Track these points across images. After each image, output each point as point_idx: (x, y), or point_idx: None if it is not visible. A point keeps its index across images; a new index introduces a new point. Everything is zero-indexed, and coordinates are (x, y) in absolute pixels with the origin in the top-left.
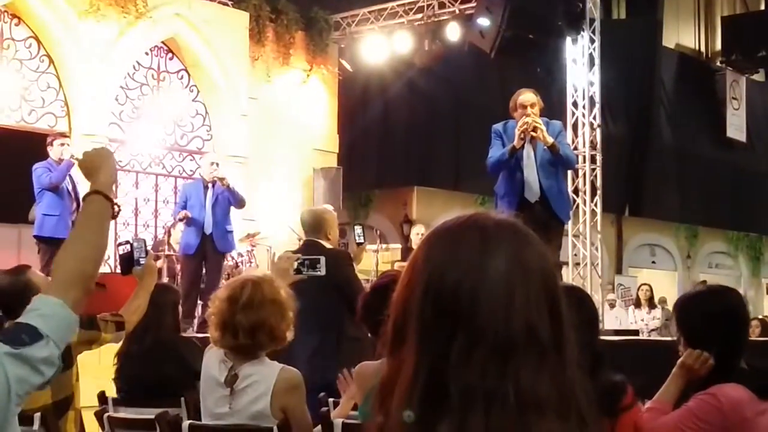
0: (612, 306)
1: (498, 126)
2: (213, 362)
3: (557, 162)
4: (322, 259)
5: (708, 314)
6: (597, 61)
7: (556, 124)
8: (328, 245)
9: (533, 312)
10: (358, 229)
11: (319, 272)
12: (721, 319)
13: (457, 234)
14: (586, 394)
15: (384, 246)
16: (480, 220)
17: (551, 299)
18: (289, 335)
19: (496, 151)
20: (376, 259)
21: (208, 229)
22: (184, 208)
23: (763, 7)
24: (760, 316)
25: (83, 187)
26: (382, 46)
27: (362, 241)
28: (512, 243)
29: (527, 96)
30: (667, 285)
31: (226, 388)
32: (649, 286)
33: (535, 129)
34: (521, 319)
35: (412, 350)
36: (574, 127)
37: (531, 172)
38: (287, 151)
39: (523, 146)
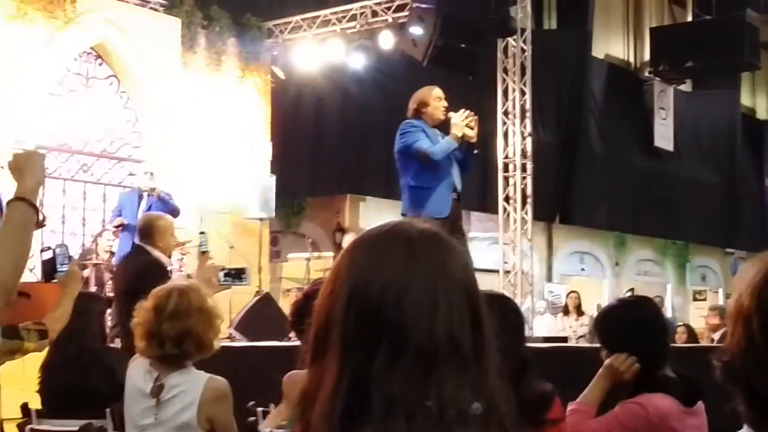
0: (542, 313)
1: (412, 121)
2: (138, 373)
3: (465, 161)
4: (248, 269)
5: (626, 325)
6: (528, 70)
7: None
8: (155, 252)
9: (456, 322)
10: (202, 237)
11: (245, 282)
12: (638, 329)
13: (381, 243)
14: (509, 404)
15: (316, 254)
16: (404, 229)
17: (473, 309)
18: (217, 344)
19: (426, 142)
20: (307, 268)
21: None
22: (120, 216)
23: (690, 19)
24: (687, 323)
25: (9, 193)
26: (315, 53)
27: (206, 249)
28: (436, 252)
29: (440, 90)
30: (597, 292)
31: (151, 399)
32: (578, 293)
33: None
34: (444, 329)
35: (334, 359)
36: (506, 135)
37: (455, 167)
38: (219, 158)
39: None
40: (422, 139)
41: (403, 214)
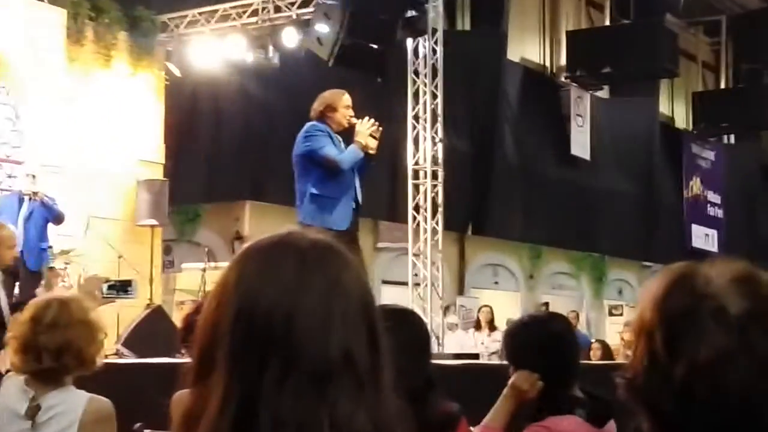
0: (453, 328)
1: (317, 124)
2: (12, 392)
3: (361, 172)
4: (134, 282)
5: (532, 342)
6: (440, 73)
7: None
8: None
9: (351, 338)
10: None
11: (131, 296)
12: (545, 346)
13: (272, 254)
14: (407, 425)
15: (213, 265)
16: (296, 240)
17: (370, 325)
18: (99, 360)
19: (333, 149)
20: (203, 279)
21: (19, 246)
22: None
23: (608, 23)
24: (602, 339)
25: None
26: (214, 50)
27: (52, 265)
28: (330, 265)
29: (349, 97)
30: (510, 306)
31: (26, 421)
32: (490, 307)
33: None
34: (339, 346)
35: (221, 378)
36: (416, 141)
37: (356, 177)
38: (108, 161)
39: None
40: (329, 146)
41: (299, 224)
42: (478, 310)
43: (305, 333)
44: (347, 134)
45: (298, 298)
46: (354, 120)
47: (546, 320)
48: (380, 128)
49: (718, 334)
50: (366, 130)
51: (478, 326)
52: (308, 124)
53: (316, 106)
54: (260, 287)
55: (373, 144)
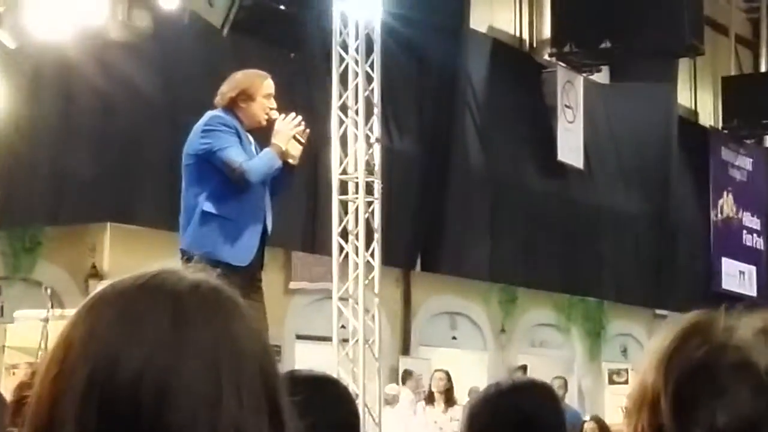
0: (394, 402)
1: (223, 115)
2: None
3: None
4: None
5: (501, 422)
6: (377, 46)
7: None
8: None
9: (246, 416)
10: None
11: None
12: (519, 428)
13: (136, 301)
14: None
15: (58, 312)
16: (170, 282)
17: (271, 398)
18: None
19: (240, 152)
20: (44, 332)
21: None
22: None
23: None
24: (598, 416)
25: None
26: (63, 13)
27: None
28: (217, 316)
29: (272, 83)
30: (474, 371)
31: None
32: (446, 373)
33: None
34: (231, 424)
35: None
36: (344, 141)
37: (267, 194)
38: None
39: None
40: (234, 147)
41: (182, 252)
42: (431, 377)
43: (185, 408)
44: (263, 134)
45: (174, 361)
46: (275, 115)
47: (518, 392)
48: (307, 130)
49: (743, 395)
50: (289, 131)
51: (429, 399)
52: (209, 114)
53: (226, 90)
54: (121, 347)
55: (296, 151)
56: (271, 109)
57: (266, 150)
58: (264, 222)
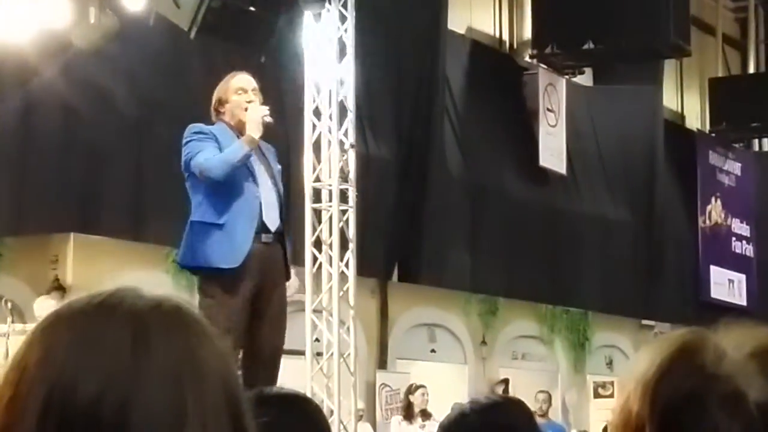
0: (364, 417)
1: (200, 124)
2: None
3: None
4: None
5: None
6: (350, 48)
7: (273, 149)
8: None
9: None
10: None
11: None
12: None
13: (95, 321)
14: None
15: (20, 327)
16: (129, 302)
17: (235, 416)
18: None
19: (207, 153)
20: (4, 348)
21: None
22: None
23: None
24: (584, 430)
25: None
26: (22, 14)
27: None
28: (179, 336)
29: (245, 77)
30: (454, 385)
31: None
32: (425, 388)
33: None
34: None
35: None
36: (317, 146)
37: (269, 188)
38: None
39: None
40: (204, 150)
41: (179, 264)
42: (408, 391)
43: None
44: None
45: (135, 384)
46: (250, 106)
47: (492, 409)
48: (269, 119)
49: (732, 430)
50: (258, 118)
51: (407, 414)
52: (189, 127)
53: (211, 104)
54: (78, 370)
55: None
56: (248, 101)
57: (237, 142)
58: (260, 219)
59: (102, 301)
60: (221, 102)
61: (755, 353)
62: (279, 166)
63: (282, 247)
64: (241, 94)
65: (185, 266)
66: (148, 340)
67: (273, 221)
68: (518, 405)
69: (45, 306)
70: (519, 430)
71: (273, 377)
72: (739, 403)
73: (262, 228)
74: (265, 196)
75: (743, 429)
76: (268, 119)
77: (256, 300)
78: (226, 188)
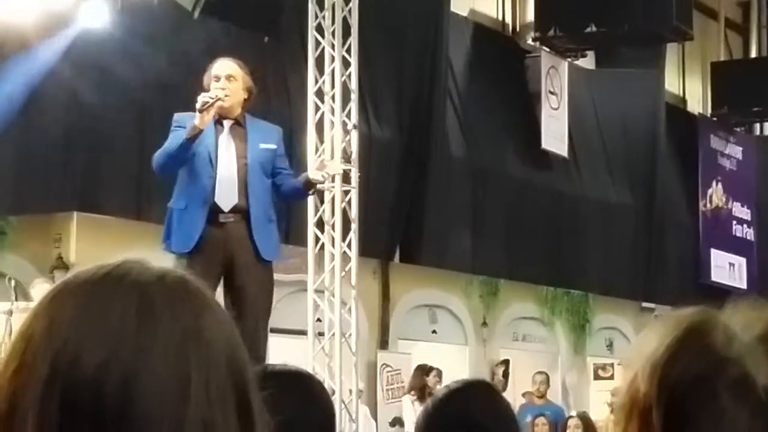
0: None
1: (183, 115)
2: None
3: (287, 184)
4: None
5: (447, 426)
6: (354, 30)
7: (274, 129)
8: None
9: (215, 411)
10: None
11: None
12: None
13: (99, 293)
14: None
15: (23, 305)
16: (135, 273)
17: (241, 392)
18: None
19: (167, 144)
20: (8, 324)
21: None
22: None
23: None
24: (584, 412)
25: None
26: None
27: None
28: (184, 307)
29: (223, 64)
30: (455, 365)
31: None
32: (438, 370)
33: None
34: (199, 421)
35: None
36: (320, 127)
37: (229, 167)
38: None
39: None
40: (169, 139)
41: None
42: (422, 372)
43: (150, 405)
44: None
45: (139, 355)
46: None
47: (450, 399)
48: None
49: (741, 414)
50: (200, 104)
51: (421, 395)
52: None
53: None
54: (83, 341)
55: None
56: (222, 90)
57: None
58: (211, 200)
59: (108, 272)
60: (206, 88)
61: (764, 336)
62: (273, 146)
63: (247, 225)
64: (216, 81)
65: (164, 247)
66: (153, 310)
67: (228, 200)
68: (477, 387)
69: (43, 289)
70: (476, 413)
71: (259, 358)
72: (749, 387)
73: (218, 208)
74: (221, 175)
75: (751, 413)
76: (205, 98)
77: (229, 281)
78: (187, 173)
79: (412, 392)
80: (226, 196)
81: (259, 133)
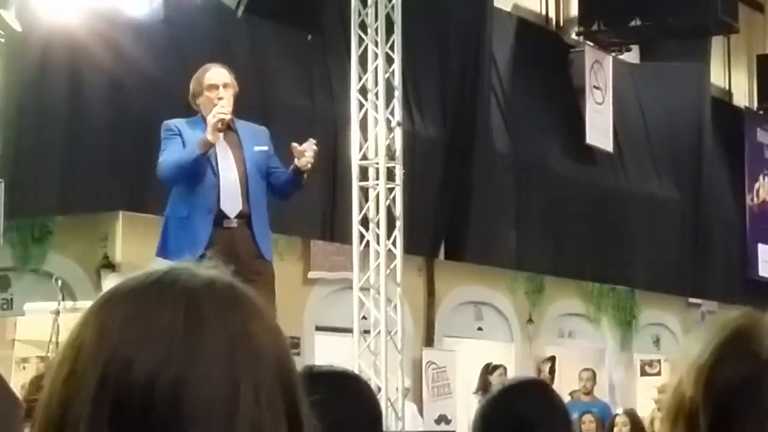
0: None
1: (175, 122)
2: None
3: (280, 180)
4: None
5: (503, 424)
6: (398, 27)
7: (262, 130)
8: None
9: (265, 414)
10: None
11: None
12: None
13: (149, 299)
14: None
15: (70, 305)
16: (183, 280)
17: (288, 392)
18: None
19: (167, 153)
20: (55, 325)
21: None
22: None
23: None
24: (631, 409)
25: None
26: None
27: None
28: (233, 314)
29: (217, 72)
30: (500, 363)
31: None
32: (503, 368)
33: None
34: (248, 425)
35: None
36: (363, 125)
37: (231, 174)
38: None
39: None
40: (167, 150)
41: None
42: (486, 371)
43: (202, 411)
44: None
45: (189, 361)
46: (218, 108)
47: (520, 390)
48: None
49: None
50: (215, 121)
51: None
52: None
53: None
54: (133, 348)
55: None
56: (219, 99)
57: (191, 143)
58: (216, 208)
59: (157, 279)
60: (195, 95)
61: None
62: (265, 148)
63: (249, 228)
64: (212, 90)
65: (159, 257)
66: (201, 318)
67: (233, 206)
68: (532, 385)
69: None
70: (530, 412)
71: None
72: None
73: (223, 215)
74: (224, 183)
75: None
76: (221, 115)
77: None
78: (188, 182)
79: (479, 392)
80: (231, 203)
81: (251, 137)
